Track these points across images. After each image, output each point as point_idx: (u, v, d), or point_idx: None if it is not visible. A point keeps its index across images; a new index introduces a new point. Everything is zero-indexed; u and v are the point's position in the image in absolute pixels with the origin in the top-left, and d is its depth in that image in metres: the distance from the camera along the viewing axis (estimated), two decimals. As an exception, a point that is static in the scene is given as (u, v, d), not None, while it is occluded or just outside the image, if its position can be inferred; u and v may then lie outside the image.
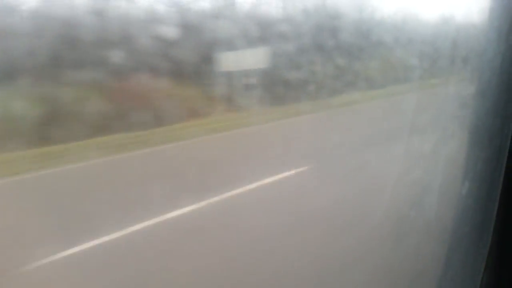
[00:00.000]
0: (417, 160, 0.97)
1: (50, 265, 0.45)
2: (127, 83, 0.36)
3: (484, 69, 0.98)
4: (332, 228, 0.90)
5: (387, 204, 0.95)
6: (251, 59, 0.47)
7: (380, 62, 0.70)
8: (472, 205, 1.06)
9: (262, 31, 0.47)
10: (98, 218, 0.48)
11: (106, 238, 0.52)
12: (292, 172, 0.75)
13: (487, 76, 0.99)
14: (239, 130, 0.61)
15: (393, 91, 0.86)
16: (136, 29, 0.35)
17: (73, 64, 0.31)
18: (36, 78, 0.30)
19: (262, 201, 0.76)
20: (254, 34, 0.46)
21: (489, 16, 0.95)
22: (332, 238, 0.91)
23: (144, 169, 0.51)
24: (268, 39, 0.49)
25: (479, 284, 1.10)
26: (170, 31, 0.36)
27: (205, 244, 0.61)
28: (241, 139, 0.65)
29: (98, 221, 0.48)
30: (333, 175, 0.83)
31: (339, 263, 0.89)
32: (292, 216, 0.79)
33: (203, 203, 0.60)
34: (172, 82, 0.40)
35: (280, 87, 0.53)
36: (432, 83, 0.87)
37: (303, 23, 0.52)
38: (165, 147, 0.49)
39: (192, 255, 0.61)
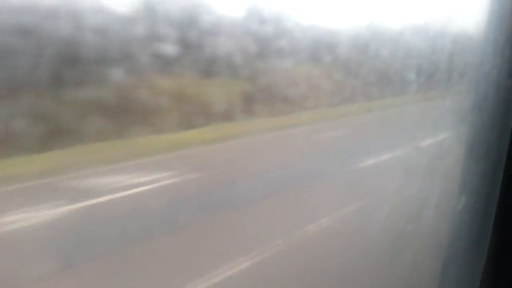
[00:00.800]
0: (412, 175, 0.95)
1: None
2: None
3: (480, 82, 0.97)
4: (330, 243, 0.89)
5: (383, 219, 0.93)
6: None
7: (376, 76, 0.68)
8: (468, 220, 1.05)
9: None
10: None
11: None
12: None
13: (484, 89, 0.98)
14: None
15: (388, 104, 0.85)
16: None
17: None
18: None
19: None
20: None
21: (485, 29, 0.94)
22: (330, 253, 0.89)
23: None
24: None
25: (475, 300, 1.09)
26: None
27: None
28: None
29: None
30: (330, 189, 0.81)
31: (337, 277, 0.87)
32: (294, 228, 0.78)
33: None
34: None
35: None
36: (429, 96, 0.86)
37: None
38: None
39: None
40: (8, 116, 0.28)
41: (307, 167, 0.75)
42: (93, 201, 0.51)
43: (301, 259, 0.79)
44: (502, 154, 1.02)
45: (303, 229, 0.80)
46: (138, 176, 0.57)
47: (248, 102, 0.47)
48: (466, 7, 0.92)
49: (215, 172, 0.68)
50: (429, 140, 0.96)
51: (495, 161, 1.03)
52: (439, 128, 0.95)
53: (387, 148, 0.91)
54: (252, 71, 0.44)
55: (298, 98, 0.53)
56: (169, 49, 0.33)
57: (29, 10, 0.27)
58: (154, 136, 0.40)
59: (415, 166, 0.92)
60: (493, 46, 0.95)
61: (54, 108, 0.30)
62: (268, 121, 0.54)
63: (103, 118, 0.34)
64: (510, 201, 1.01)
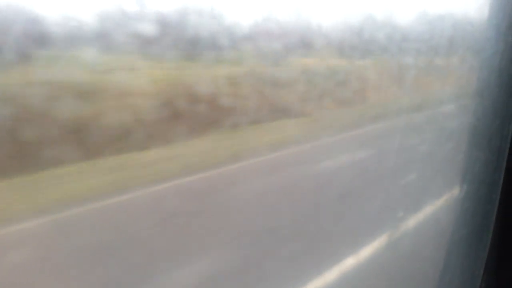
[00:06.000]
0: (413, 162, 0.94)
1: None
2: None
3: (482, 68, 0.95)
4: (327, 231, 0.88)
5: (383, 207, 0.93)
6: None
7: (372, 61, 0.67)
8: (471, 207, 1.04)
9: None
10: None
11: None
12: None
13: (485, 75, 0.96)
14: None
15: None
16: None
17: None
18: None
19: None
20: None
21: (487, 13, 0.92)
22: (328, 242, 0.89)
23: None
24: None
25: (478, 288, 1.08)
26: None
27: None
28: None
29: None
30: (322, 175, 0.81)
31: (335, 267, 0.87)
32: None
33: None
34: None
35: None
36: (428, 82, 0.85)
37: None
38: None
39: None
40: None
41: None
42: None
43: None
44: (505, 141, 1.01)
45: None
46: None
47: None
48: (467, -9, 0.91)
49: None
50: (429, 128, 0.95)
51: (498, 148, 1.02)
52: (440, 115, 0.94)
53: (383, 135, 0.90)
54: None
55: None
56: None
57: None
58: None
59: (415, 153, 0.91)
60: (495, 31, 0.93)
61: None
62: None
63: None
64: (513, 189, 1.00)
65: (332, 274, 0.87)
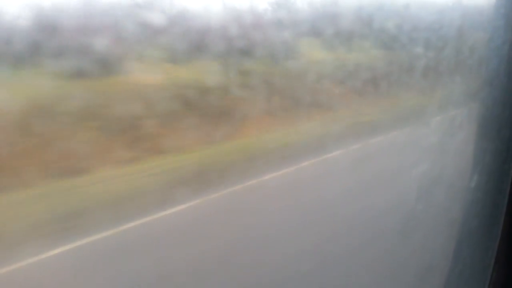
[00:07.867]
0: (423, 153, 0.94)
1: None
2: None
3: (491, 57, 0.95)
4: (339, 222, 0.89)
5: (394, 198, 0.93)
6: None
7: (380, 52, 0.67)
8: (481, 198, 1.03)
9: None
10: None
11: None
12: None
13: (494, 64, 0.96)
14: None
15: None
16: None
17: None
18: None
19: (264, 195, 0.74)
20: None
21: (495, 2, 0.92)
22: (340, 233, 0.89)
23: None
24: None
25: (489, 279, 1.08)
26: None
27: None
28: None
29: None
30: (336, 165, 0.81)
31: (347, 258, 0.87)
32: (293, 212, 0.78)
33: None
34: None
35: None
36: (438, 71, 0.85)
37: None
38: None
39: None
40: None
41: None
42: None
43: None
44: (515, 132, 1.01)
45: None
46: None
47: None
48: (475, -19, 0.90)
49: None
50: (439, 119, 0.94)
51: (507, 138, 1.02)
52: (449, 105, 0.94)
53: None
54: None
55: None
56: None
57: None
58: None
59: (425, 144, 0.91)
60: (504, 21, 0.93)
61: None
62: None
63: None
64: (524, 179, 1.00)
65: (340, 265, 0.88)
